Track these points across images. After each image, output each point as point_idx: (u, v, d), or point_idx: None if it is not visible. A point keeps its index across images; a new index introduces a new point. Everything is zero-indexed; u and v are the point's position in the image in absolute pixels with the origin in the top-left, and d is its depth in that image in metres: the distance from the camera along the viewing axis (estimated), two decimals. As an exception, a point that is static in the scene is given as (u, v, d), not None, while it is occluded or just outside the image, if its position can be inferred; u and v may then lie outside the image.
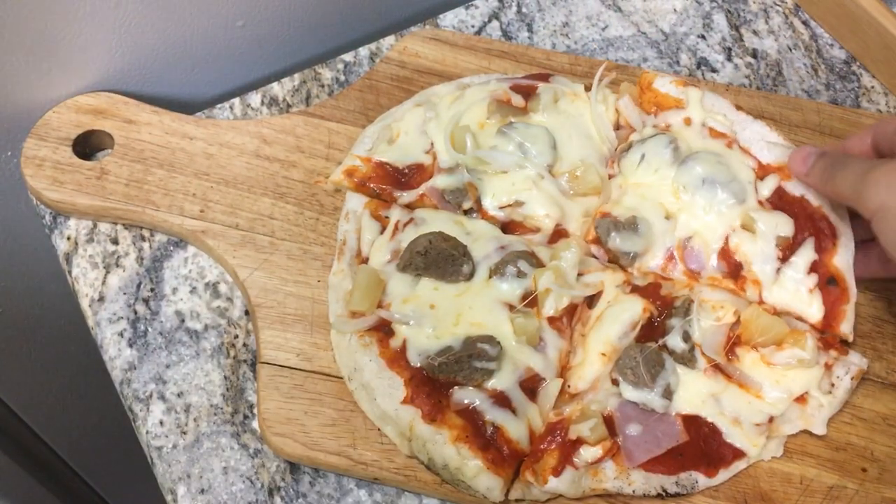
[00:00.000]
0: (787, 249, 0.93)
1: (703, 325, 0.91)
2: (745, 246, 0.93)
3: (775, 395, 0.89)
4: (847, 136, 0.99)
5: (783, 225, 0.94)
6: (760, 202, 0.96)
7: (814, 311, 0.92)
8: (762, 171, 0.97)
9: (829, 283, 0.93)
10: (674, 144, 0.97)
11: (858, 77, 1.20)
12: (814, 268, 0.93)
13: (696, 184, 0.95)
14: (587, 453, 0.85)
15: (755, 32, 1.23)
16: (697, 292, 0.93)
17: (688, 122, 1.01)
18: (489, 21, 1.22)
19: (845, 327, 0.93)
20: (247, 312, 0.97)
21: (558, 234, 0.98)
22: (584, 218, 0.99)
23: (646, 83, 1.04)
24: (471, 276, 0.93)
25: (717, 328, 0.91)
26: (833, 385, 0.91)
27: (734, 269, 0.94)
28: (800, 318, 0.93)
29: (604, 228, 0.95)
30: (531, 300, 0.91)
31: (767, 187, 0.96)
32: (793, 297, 0.93)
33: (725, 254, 0.94)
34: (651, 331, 0.91)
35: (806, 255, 0.93)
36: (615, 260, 0.96)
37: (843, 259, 0.94)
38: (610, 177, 1.00)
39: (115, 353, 0.94)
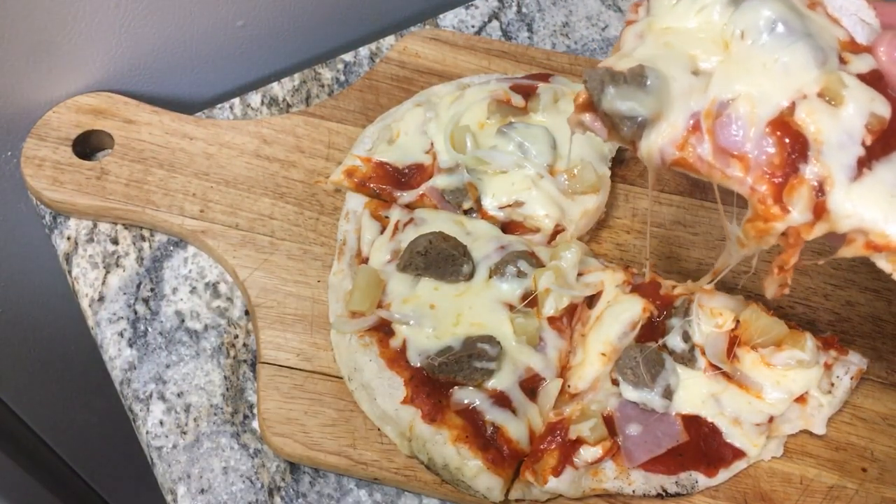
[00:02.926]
0: (878, 141, 0.67)
1: (703, 329, 0.91)
2: (820, 119, 0.66)
3: (776, 396, 0.89)
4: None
5: (879, 104, 0.67)
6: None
7: None
8: (854, 49, 0.71)
9: None
10: None
11: (858, 77, 1.20)
12: None
13: (761, 29, 0.69)
14: (587, 453, 0.85)
15: (755, 32, 1.23)
16: (697, 296, 0.93)
17: None
18: (489, 21, 1.22)
19: None
20: (247, 312, 0.97)
21: (558, 234, 0.98)
22: (583, 218, 0.99)
23: None
24: (471, 276, 0.93)
25: (719, 335, 0.91)
26: (833, 385, 0.91)
27: (790, 154, 0.66)
28: (882, 242, 0.66)
29: (596, 81, 0.68)
30: (531, 300, 0.91)
31: (865, 63, 0.70)
32: (882, 205, 0.66)
33: (782, 126, 0.67)
34: (651, 331, 0.91)
35: None
36: (615, 129, 0.70)
37: None
38: (628, 23, 0.75)
39: (115, 353, 0.94)
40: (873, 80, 0.69)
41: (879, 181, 0.66)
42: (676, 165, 0.69)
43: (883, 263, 0.68)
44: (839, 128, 0.66)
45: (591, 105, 0.70)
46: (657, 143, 0.68)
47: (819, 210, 0.66)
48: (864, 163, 0.66)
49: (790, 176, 0.66)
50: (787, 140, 0.66)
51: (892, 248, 0.66)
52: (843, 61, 0.70)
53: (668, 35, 0.71)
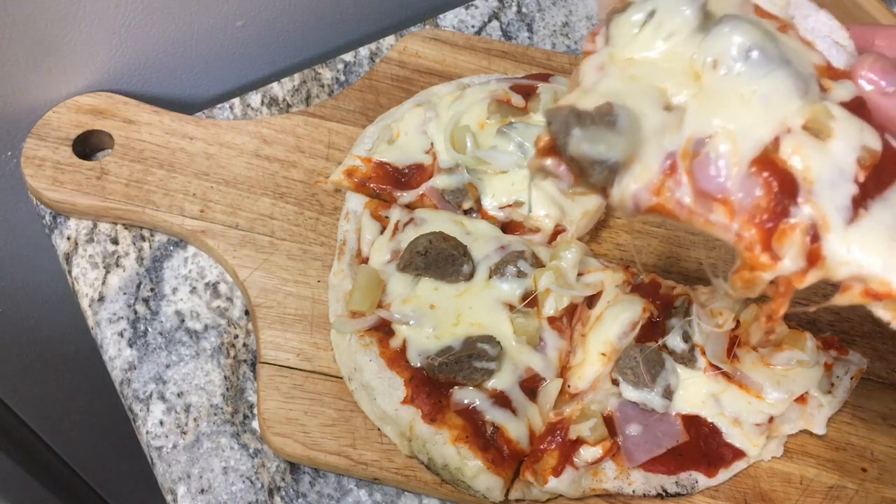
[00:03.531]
0: (872, 178, 0.61)
1: (703, 329, 0.91)
2: (809, 155, 0.60)
3: (776, 396, 0.89)
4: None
5: (869, 135, 0.61)
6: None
7: None
8: (832, 75, 0.65)
9: None
10: (701, 0, 0.65)
11: (858, 77, 1.20)
12: None
13: (735, 57, 0.62)
14: (587, 453, 0.85)
15: (755, 32, 1.23)
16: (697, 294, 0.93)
17: None
18: (489, 21, 1.22)
19: None
20: (247, 312, 0.97)
21: (558, 234, 0.98)
22: (583, 218, 0.99)
23: None
24: (471, 276, 0.93)
25: (719, 335, 0.90)
26: (833, 385, 0.91)
27: (778, 195, 0.60)
28: (884, 290, 0.60)
29: (560, 123, 0.61)
30: (531, 300, 0.91)
31: (846, 90, 0.63)
32: (881, 250, 0.60)
33: (768, 165, 0.60)
34: (651, 331, 0.91)
35: None
36: (584, 175, 0.63)
37: None
38: (586, 54, 0.68)
39: (115, 353, 0.94)
40: (855, 108, 0.63)
41: (877, 222, 0.60)
42: (653, 212, 0.62)
43: (881, 312, 0.62)
44: (830, 164, 0.60)
45: (554, 148, 0.63)
46: (630, 188, 0.61)
47: (813, 257, 0.60)
48: (859, 202, 0.60)
49: (780, 220, 0.60)
50: (773, 180, 0.60)
51: (893, 297, 0.59)
52: (823, 88, 0.63)
53: (633, 67, 0.64)
